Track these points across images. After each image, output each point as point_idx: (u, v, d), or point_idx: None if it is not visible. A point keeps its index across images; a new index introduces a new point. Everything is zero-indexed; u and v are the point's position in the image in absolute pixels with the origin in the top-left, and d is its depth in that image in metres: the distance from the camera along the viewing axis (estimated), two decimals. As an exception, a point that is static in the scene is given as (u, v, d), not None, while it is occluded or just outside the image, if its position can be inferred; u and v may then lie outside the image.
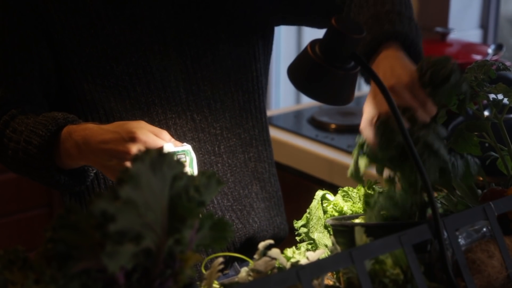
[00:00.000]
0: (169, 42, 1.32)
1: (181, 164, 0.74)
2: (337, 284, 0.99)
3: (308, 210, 1.22)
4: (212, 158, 1.36)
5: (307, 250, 1.17)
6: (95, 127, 1.18)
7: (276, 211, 1.45)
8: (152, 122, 1.28)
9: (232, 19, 1.37)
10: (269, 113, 1.96)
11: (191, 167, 1.15)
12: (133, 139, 1.12)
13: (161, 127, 1.22)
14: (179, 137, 1.32)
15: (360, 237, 0.94)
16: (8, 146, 1.25)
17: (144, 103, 1.31)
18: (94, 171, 1.28)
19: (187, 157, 1.15)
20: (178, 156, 1.14)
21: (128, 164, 1.12)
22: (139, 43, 1.30)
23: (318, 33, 1.14)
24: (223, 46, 1.36)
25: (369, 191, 1.18)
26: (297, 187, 2.06)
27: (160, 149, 1.09)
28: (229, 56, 1.37)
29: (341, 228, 1.07)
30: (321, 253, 1.02)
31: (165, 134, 1.15)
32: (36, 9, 1.26)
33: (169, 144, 1.14)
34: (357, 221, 1.14)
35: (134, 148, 1.11)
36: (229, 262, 1.35)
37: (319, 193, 1.22)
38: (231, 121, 1.38)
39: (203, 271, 1.19)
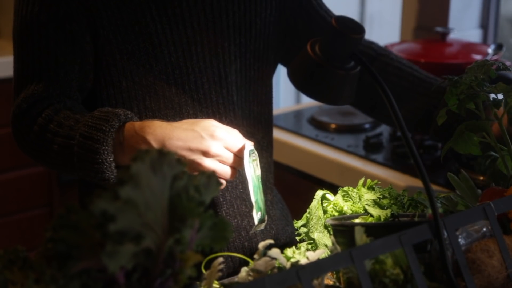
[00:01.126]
0: (206, 44, 1.34)
1: (181, 164, 0.74)
2: (337, 284, 0.99)
3: (308, 210, 1.22)
4: None
5: (307, 250, 1.17)
6: (164, 124, 1.18)
7: (285, 221, 1.47)
8: None
9: (260, 33, 1.40)
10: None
11: (258, 166, 1.16)
12: (212, 137, 1.13)
13: None
14: None
15: (360, 237, 0.94)
16: (54, 140, 1.24)
17: (177, 103, 1.32)
18: None
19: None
20: (253, 154, 1.15)
21: (207, 162, 1.13)
22: (179, 44, 1.31)
23: (318, 33, 1.14)
24: (250, 56, 1.39)
25: (370, 192, 1.18)
26: (297, 187, 2.06)
27: (242, 147, 1.11)
28: (252, 67, 1.40)
29: (341, 228, 1.07)
30: (321, 253, 1.03)
31: (237, 132, 1.16)
32: (84, 3, 1.26)
33: (249, 142, 1.14)
34: (357, 221, 1.14)
35: (214, 146, 1.12)
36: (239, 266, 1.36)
37: (319, 193, 1.22)
38: (247, 130, 1.41)
39: (203, 271, 1.19)
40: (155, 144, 1.15)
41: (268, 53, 1.43)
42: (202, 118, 1.33)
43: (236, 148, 1.15)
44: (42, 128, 1.26)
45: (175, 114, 1.32)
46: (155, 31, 1.29)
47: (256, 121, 1.43)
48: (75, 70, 1.29)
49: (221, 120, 1.35)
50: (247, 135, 1.40)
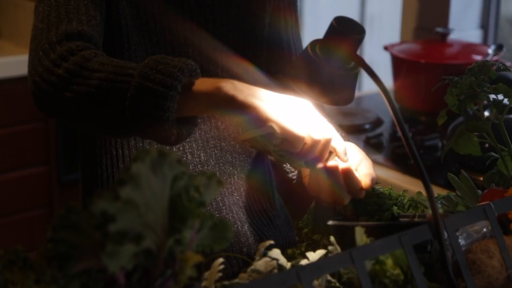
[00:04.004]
0: (204, 48, 1.33)
1: (181, 165, 0.74)
2: (337, 284, 0.99)
3: (308, 211, 1.22)
4: (231, 170, 1.36)
5: (307, 250, 1.17)
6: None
7: (288, 227, 1.48)
8: None
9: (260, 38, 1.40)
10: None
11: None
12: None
13: None
14: (203, 142, 1.32)
15: (360, 238, 0.94)
16: (92, 76, 1.06)
17: None
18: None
19: None
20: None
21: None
22: (176, 45, 1.30)
23: (318, 34, 1.14)
24: (249, 60, 1.38)
25: (369, 192, 1.18)
26: (298, 188, 2.06)
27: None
28: (251, 73, 1.39)
29: (341, 229, 1.07)
30: (321, 253, 1.02)
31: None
32: None
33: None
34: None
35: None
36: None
37: (319, 194, 1.22)
38: None
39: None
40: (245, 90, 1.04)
41: (268, 58, 1.42)
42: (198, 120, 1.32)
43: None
44: (79, 63, 1.08)
45: None
46: (154, 29, 1.29)
47: None
48: (98, 21, 1.20)
49: (217, 125, 1.34)
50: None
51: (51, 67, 1.09)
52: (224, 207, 1.35)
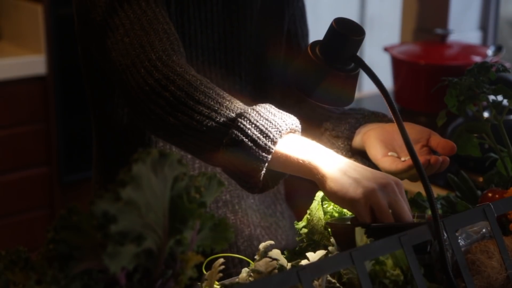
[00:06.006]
0: (229, 51, 1.34)
1: (182, 165, 0.74)
2: (337, 284, 1.00)
3: (308, 211, 1.22)
4: None
5: (308, 251, 1.17)
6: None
7: (294, 230, 1.48)
8: None
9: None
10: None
11: None
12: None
13: None
14: None
15: (361, 238, 0.95)
16: (196, 108, 1.06)
17: None
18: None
19: None
20: None
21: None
22: (205, 47, 1.31)
23: (318, 35, 1.14)
24: (266, 70, 1.39)
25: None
26: (298, 188, 2.06)
27: None
28: (270, 81, 1.41)
29: (340, 230, 1.07)
30: (321, 253, 1.03)
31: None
32: None
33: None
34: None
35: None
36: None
37: (320, 194, 1.22)
38: None
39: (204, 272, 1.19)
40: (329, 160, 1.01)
41: (287, 66, 1.43)
42: None
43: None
44: (185, 89, 1.08)
45: None
46: (188, 31, 1.29)
47: None
48: (172, 25, 1.20)
49: None
50: None
51: (157, 87, 1.09)
52: (240, 210, 1.36)
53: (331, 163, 1.01)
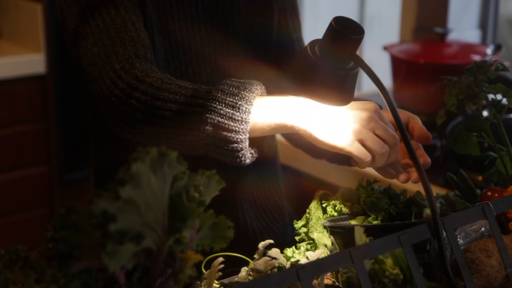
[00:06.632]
0: (218, 47, 1.34)
1: (181, 164, 0.74)
2: (337, 283, 1.00)
3: (307, 210, 1.22)
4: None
5: (307, 249, 1.17)
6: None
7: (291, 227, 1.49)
8: None
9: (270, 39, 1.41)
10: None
11: None
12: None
13: None
14: None
15: (360, 237, 0.95)
16: (165, 107, 1.08)
17: None
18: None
19: None
20: None
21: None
22: (193, 44, 1.32)
23: (318, 34, 1.14)
24: (259, 67, 1.39)
25: (369, 192, 1.18)
26: (297, 187, 2.06)
27: None
28: (262, 73, 1.41)
29: (338, 230, 1.07)
30: (320, 252, 1.03)
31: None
32: None
33: None
34: (353, 222, 1.14)
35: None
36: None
37: (319, 193, 1.22)
38: None
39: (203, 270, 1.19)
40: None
41: (277, 58, 1.43)
42: None
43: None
44: (150, 93, 1.10)
45: None
46: (173, 29, 1.30)
47: None
48: (144, 29, 1.22)
49: None
50: None
51: (122, 97, 1.11)
52: (234, 203, 1.37)
53: (308, 116, 1.05)
